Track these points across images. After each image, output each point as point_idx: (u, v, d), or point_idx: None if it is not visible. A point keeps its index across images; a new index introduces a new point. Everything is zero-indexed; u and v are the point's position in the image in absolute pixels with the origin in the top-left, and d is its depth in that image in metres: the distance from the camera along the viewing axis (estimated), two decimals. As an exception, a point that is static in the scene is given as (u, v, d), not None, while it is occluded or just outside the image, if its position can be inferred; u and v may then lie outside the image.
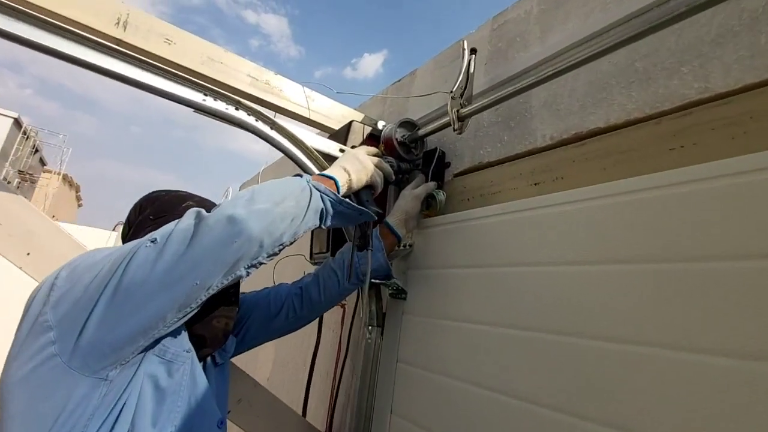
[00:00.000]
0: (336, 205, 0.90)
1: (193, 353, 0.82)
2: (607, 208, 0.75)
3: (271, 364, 1.97)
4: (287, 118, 1.60)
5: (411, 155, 1.33)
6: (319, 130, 1.73)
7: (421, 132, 1.27)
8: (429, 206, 1.25)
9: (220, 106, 1.01)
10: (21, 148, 14.52)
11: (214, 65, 1.37)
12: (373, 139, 1.40)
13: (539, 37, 1.12)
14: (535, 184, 0.97)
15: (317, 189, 0.88)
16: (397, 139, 1.29)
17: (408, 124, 1.32)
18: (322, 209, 0.88)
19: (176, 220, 0.73)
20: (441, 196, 1.21)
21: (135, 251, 0.69)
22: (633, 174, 0.77)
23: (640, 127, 0.81)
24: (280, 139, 1.11)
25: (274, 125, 1.10)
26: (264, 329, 1.07)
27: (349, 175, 1.01)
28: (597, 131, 0.89)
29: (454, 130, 1.11)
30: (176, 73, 0.95)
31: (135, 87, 0.90)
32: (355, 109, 1.92)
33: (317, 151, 1.22)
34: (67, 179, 18.53)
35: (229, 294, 0.94)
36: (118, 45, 1.26)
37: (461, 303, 0.99)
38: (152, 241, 0.70)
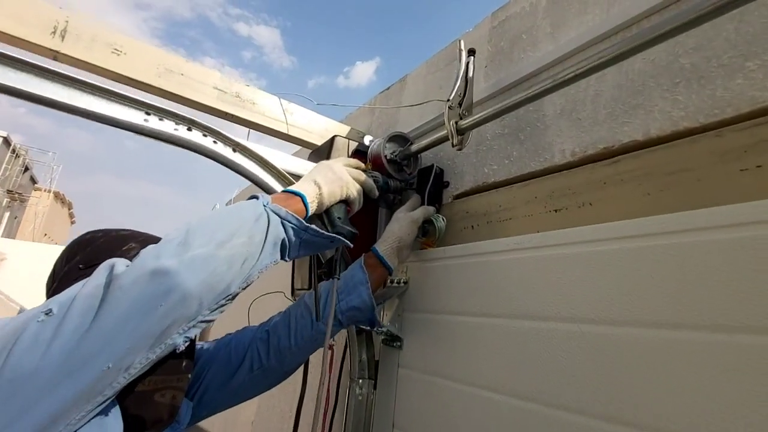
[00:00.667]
0: (301, 233, 0.73)
1: None
2: (662, 250, 0.57)
3: (256, 406, 1.77)
4: (262, 134, 1.42)
5: (403, 174, 1.15)
6: (301, 147, 1.56)
7: (414, 147, 1.09)
8: (426, 233, 1.06)
9: (166, 126, 0.83)
10: (9, 167, 14.27)
11: (173, 77, 1.19)
12: (359, 155, 1.22)
13: (550, 33, 0.95)
14: (556, 211, 0.79)
15: (277, 214, 0.70)
16: (386, 156, 1.11)
17: (399, 139, 1.14)
18: (283, 240, 0.71)
19: (84, 281, 0.55)
20: (441, 222, 1.03)
21: (24, 329, 0.51)
22: (688, 202, 0.58)
23: (695, 141, 0.63)
24: (246, 164, 0.93)
25: (237, 147, 0.92)
26: (225, 387, 0.87)
27: (319, 188, 0.83)
28: (633, 146, 0.71)
29: (453, 146, 0.93)
30: (106, 89, 0.76)
31: (48, 106, 0.71)
32: (341, 122, 1.74)
33: (292, 175, 1.03)
34: (58, 197, 18.28)
35: (178, 354, 0.76)
36: (55, 58, 1.08)
37: (469, 361, 0.80)
38: (46, 313, 0.52)
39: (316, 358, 1.50)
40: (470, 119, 0.90)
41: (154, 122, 0.81)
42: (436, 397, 0.85)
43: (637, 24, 0.78)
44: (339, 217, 0.87)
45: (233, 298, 0.64)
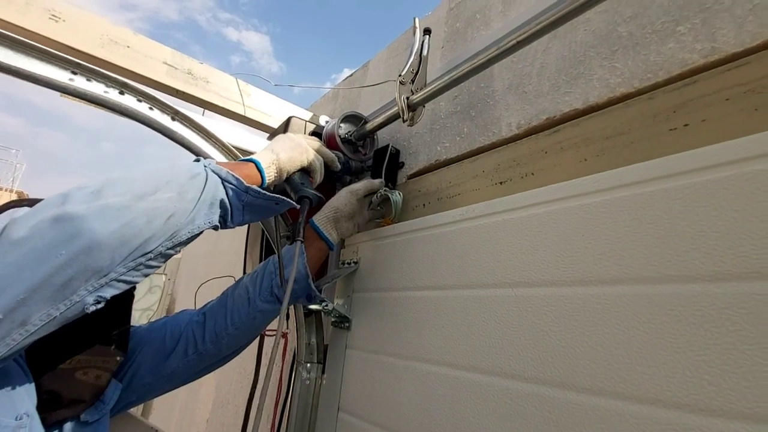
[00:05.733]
0: (242, 195, 0.68)
1: (35, 419, 0.58)
2: (593, 208, 0.56)
3: (211, 404, 1.69)
4: (218, 115, 1.38)
5: (358, 155, 1.12)
6: (265, 133, 1.51)
7: (369, 126, 1.07)
8: (384, 211, 1.03)
9: (96, 88, 0.78)
10: (-32, 164, 13.53)
11: (119, 49, 1.14)
12: (316, 137, 1.19)
13: (501, 11, 0.95)
14: (500, 183, 0.78)
15: (217, 174, 0.66)
16: (340, 135, 1.08)
17: (353, 118, 1.12)
18: (222, 201, 0.66)
19: None
20: (396, 196, 0.99)
21: None
22: (620, 164, 0.58)
23: (629, 105, 0.63)
24: (186, 133, 0.88)
25: (176, 115, 0.87)
26: (157, 372, 0.81)
27: (276, 155, 0.79)
28: (573, 114, 0.71)
29: (404, 121, 0.91)
30: (26, 42, 0.71)
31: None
32: (307, 110, 1.71)
33: (240, 150, 0.99)
34: (22, 197, 17.42)
35: (108, 330, 0.70)
36: (-15, 21, 1.01)
37: (411, 335, 0.78)
38: None
39: (270, 348, 1.45)
40: (421, 94, 0.89)
41: (80, 82, 0.76)
42: (379, 376, 0.82)
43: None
44: (302, 183, 0.84)
45: (157, 258, 0.58)
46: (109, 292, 0.54)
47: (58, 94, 0.76)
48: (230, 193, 0.67)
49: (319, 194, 0.84)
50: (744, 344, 0.41)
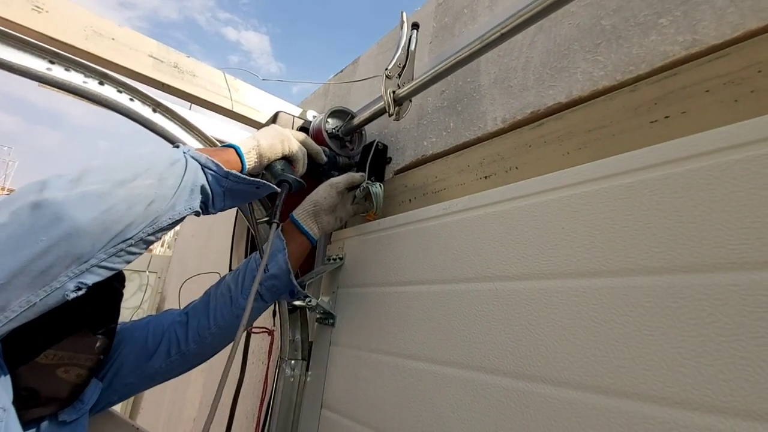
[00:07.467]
0: (222, 181, 0.68)
1: (11, 414, 0.56)
2: (573, 200, 0.55)
3: (198, 403, 1.67)
4: (207, 110, 1.36)
5: (345, 150, 1.11)
6: (254, 129, 1.50)
7: (356, 121, 1.06)
8: (368, 206, 1.02)
9: (74, 78, 0.76)
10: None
11: (103, 41, 1.12)
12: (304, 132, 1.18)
13: (488, 6, 0.94)
14: (485, 177, 0.77)
15: (197, 161, 0.65)
16: (327, 130, 1.07)
17: (340, 113, 1.11)
18: (202, 187, 0.65)
19: None
20: (377, 188, 0.96)
21: None
22: (602, 157, 0.57)
23: (611, 98, 0.62)
24: (168, 126, 0.87)
25: (158, 107, 0.86)
26: (140, 372, 0.80)
27: (257, 141, 0.79)
28: (557, 108, 0.70)
29: (390, 115, 0.90)
30: (4, 31, 0.69)
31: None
32: (297, 106, 1.70)
33: (224, 144, 0.98)
34: (15, 195, 17.25)
35: (93, 327, 0.69)
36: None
37: (395, 331, 0.77)
38: None
39: (257, 345, 1.43)
40: (405, 88, 0.88)
41: (58, 72, 0.75)
42: (362, 373, 0.81)
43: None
44: (282, 170, 0.83)
45: (138, 244, 0.58)
46: (90, 279, 0.53)
47: (53, 90, 0.74)
48: (210, 178, 0.67)
49: (300, 180, 0.83)
50: (720, 336, 0.40)
